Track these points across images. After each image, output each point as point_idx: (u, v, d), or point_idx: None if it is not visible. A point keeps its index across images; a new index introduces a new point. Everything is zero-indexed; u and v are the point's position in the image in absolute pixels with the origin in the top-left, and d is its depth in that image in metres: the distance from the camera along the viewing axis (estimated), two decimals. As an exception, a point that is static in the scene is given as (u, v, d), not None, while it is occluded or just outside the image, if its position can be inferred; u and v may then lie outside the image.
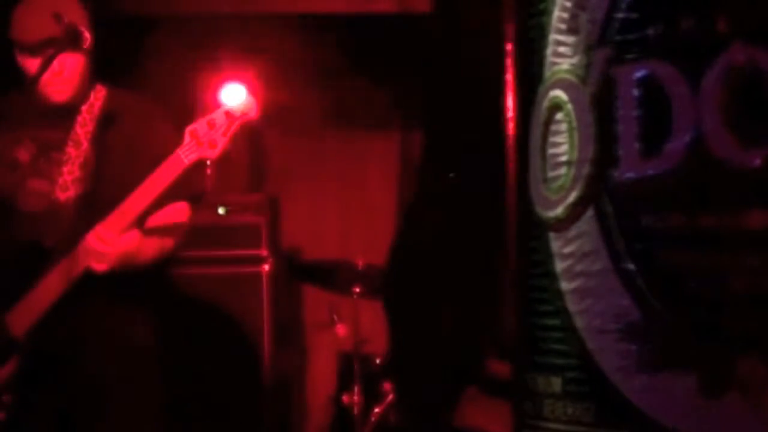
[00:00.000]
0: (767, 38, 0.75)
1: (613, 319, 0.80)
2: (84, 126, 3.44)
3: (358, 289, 4.75)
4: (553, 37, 0.85)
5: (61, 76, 3.38)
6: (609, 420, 0.81)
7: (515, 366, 0.93)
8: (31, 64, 3.36)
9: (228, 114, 3.17)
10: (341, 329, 4.90)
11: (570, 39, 0.83)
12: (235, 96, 3.16)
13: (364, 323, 4.84)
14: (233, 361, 4.82)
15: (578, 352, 0.83)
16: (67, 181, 3.38)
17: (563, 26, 0.84)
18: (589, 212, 0.82)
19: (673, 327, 0.77)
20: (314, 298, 5.55)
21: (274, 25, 5.24)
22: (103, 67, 3.46)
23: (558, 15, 0.84)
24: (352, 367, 4.63)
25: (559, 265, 0.85)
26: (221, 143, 3.16)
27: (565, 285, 0.84)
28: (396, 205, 5.80)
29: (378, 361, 4.67)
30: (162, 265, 3.64)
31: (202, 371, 4.53)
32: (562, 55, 0.84)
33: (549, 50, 0.85)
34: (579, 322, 0.83)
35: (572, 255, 0.83)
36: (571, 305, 0.84)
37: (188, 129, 3.17)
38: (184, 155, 3.18)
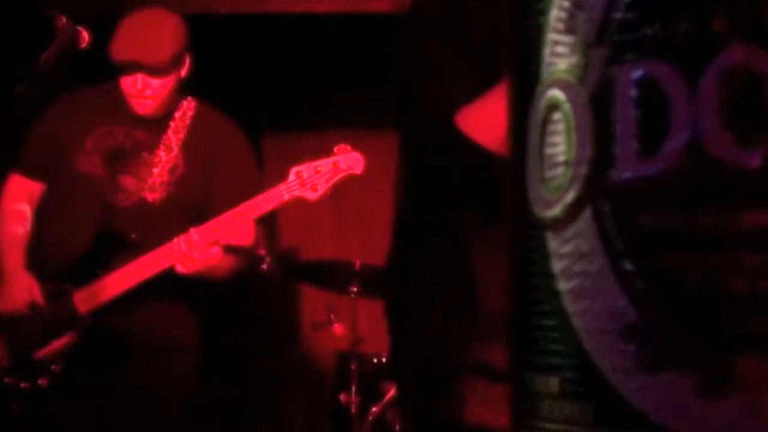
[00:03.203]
0: (766, 38, 0.75)
1: (611, 320, 0.80)
2: (177, 133, 3.69)
3: (355, 289, 4.76)
4: (551, 36, 0.85)
5: (143, 95, 3.62)
6: (607, 420, 0.81)
7: (512, 366, 0.93)
8: (124, 81, 3.61)
9: (336, 164, 3.50)
10: (339, 328, 4.92)
11: (567, 39, 0.83)
12: (345, 151, 3.48)
13: (361, 322, 4.85)
14: (231, 360, 4.82)
15: (576, 352, 0.83)
16: (156, 183, 3.63)
17: (561, 26, 0.84)
18: (587, 212, 0.82)
19: (672, 327, 0.77)
20: (312, 298, 5.57)
21: (273, 24, 5.24)
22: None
23: (555, 14, 0.84)
24: (349, 367, 4.65)
25: (557, 265, 0.85)
26: (322, 189, 3.53)
27: (562, 285, 0.85)
28: (393, 205, 5.80)
29: (380, 360, 4.68)
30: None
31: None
32: (560, 55, 0.84)
33: (546, 50, 0.85)
34: (576, 322, 0.83)
35: (570, 255, 0.83)
36: (569, 305, 0.84)
37: (294, 169, 3.54)
38: (286, 191, 3.51)
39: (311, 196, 3.63)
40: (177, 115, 3.86)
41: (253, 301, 4.98)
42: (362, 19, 5.21)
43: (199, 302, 3.90)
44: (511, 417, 0.93)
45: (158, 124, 3.79)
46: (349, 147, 3.68)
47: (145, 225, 3.66)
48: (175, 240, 3.60)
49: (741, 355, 0.74)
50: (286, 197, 3.65)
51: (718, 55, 0.75)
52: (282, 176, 5.62)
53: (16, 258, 3.76)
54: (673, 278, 0.77)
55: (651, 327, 0.78)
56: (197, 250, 3.55)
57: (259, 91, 5.23)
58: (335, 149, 3.63)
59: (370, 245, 5.74)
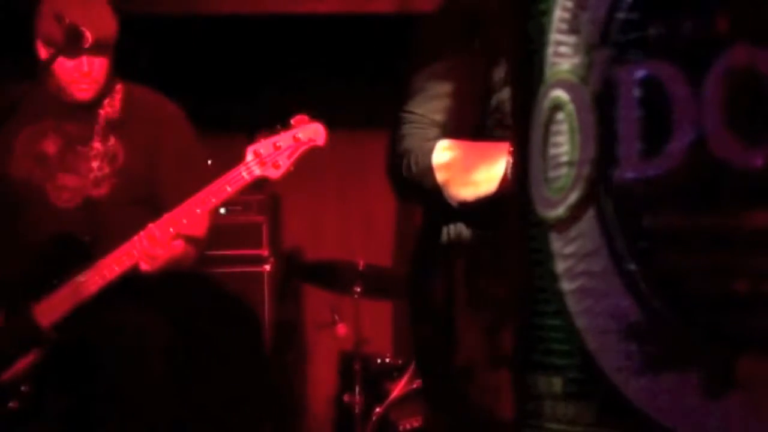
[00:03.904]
0: (769, 38, 0.75)
1: (614, 320, 0.80)
2: (109, 120, 3.44)
3: (359, 289, 4.75)
4: (554, 37, 0.85)
5: (90, 77, 3.39)
6: (610, 420, 0.81)
7: (515, 366, 0.93)
8: (62, 65, 3.34)
9: (295, 138, 3.21)
10: (342, 329, 4.91)
11: (571, 39, 0.83)
12: (303, 122, 3.19)
13: (365, 323, 4.84)
14: (234, 360, 4.82)
15: (579, 353, 0.83)
16: (98, 177, 3.37)
17: (564, 26, 0.84)
18: (590, 212, 0.82)
19: (675, 327, 0.77)
20: (315, 298, 5.56)
21: (274, 25, 5.23)
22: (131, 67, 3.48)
23: (559, 15, 0.84)
24: (353, 367, 4.64)
25: (560, 266, 0.85)
26: (285, 166, 3.23)
27: (565, 285, 0.84)
28: (397, 205, 5.80)
29: (384, 360, 4.68)
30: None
31: (202, 371, 4.53)
32: (563, 55, 0.84)
33: (550, 50, 0.85)
34: (580, 323, 0.83)
35: (573, 255, 0.83)
36: (572, 305, 0.84)
37: (251, 147, 3.21)
38: (246, 172, 3.21)
39: (273, 174, 3.28)
40: (106, 101, 3.51)
41: (254, 301, 4.98)
42: (364, 19, 5.21)
43: (168, 301, 3.66)
44: (514, 417, 0.93)
45: (88, 113, 3.44)
46: (306, 117, 3.28)
47: (97, 224, 3.34)
48: (136, 238, 3.31)
49: (744, 355, 0.74)
50: (248, 178, 3.28)
51: (722, 56, 0.75)
52: (286, 180, 5.61)
53: None
54: (677, 279, 0.77)
55: (654, 327, 0.78)
56: (160, 246, 3.26)
57: (259, 91, 5.24)
58: (292, 121, 3.29)
59: (373, 246, 5.74)
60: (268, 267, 4.94)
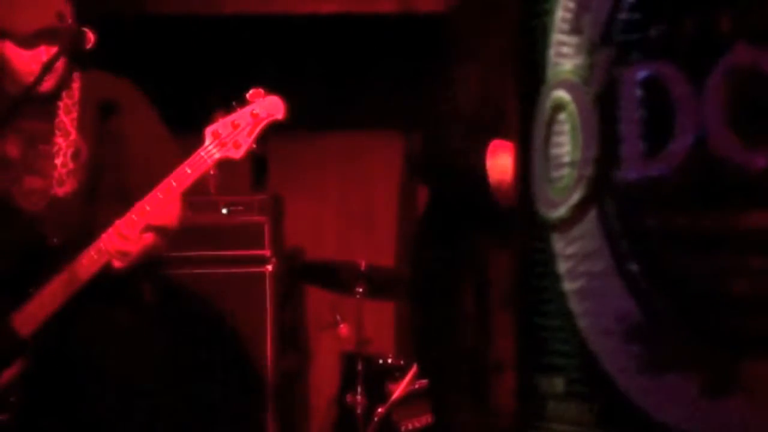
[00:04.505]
0: (770, 38, 0.75)
1: (616, 320, 0.80)
2: (68, 113, 3.32)
3: (360, 290, 4.75)
4: (556, 37, 0.85)
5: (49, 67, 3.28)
6: (612, 421, 0.81)
7: (518, 367, 0.93)
8: (20, 56, 3.24)
9: (253, 114, 3.09)
10: (344, 329, 4.91)
11: (573, 39, 0.83)
12: (259, 96, 3.08)
13: (367, 323, 4.84)
14: (236, 361, 4.82)
15: (581, 353, 0.83)
16: (62, 174, 3.26)
17: (566, 26, 0.84)
18: (592, 213, 0.82)
19: (676, 328, 0.77)
20: (317, 299, 5.55)
21: (274, 25, 5.23)
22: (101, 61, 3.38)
23: (561, 15, 0.84)
24: (355, 367, 4.64)
25: (562, 266, 0.85)
26: (246, 144, 3.08)
27: (567, 286, 0.85)
28: (398, 205, 5.80)
29: (386, 361, 4.68)
30: (158, 265, 3.52)
31: (202, 371, 4.53)
32: (565, 56, 0.84)
33: (552, 50, 0.85)
34: (582, 323, 0.83)
35: (575, 256, 0.83)
36: (574, 306, 0.84)
37: (209, 129, 3.09)
38: (207, 155, 3.09)
39: (235, 154, 3.14)
40: (64, 93, 3.40)
41: (255, 301, 4.97)
42: (366, 20, 5.21)
43: (165, 303, 3.57)
44: (517, 417, 0.93)
45: (46, 108, 3.32)
46: (262, 91, 3.14)
47: (64, 224, 3.22)
48: (104, 236, 3.19)
49: (746, 356, 0.74)
50: (209, 161, 3.14)
51: (724, 56, 0.75)
52: (287, 180, 5.62)
53: None
54: (679, 279, 0.77)
55: (656, 328, 0.78)
56: (130, 241, 3.15)
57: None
58: (248, 96, 3.22)
59: (375, 246, 5.74)
60: (270, 267, 4.93)
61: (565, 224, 0.84)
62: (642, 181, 0.79)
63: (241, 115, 3.08)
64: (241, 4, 5.19)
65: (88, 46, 3.24)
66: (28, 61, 3.23)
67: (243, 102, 3.11)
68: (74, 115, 3.31)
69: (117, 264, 3.09)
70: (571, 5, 0.83)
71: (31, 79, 3.21)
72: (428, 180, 2.68)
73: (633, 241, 0.80)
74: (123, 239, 3.06)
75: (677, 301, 0.78)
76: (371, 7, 5.21)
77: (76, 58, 3.33)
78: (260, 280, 4.89)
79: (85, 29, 3.23)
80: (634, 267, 0.79)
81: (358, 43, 5.25)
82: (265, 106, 3.10)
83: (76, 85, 3.34)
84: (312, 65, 5.36)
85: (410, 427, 4.44)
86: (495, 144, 2.34)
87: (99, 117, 3.31)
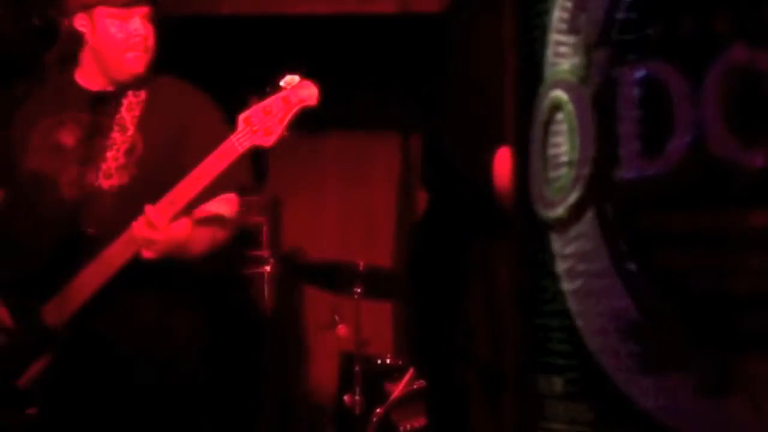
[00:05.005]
0: (768, 38, 0.75)
1: (614, 320, 0.80)
2: (130, 110, 3.30)
3: (359, 290, 4.75)
4: (554, 37, 0.85)
5: (146, 44, 3.26)
6: (611, 420, 0.81)
7: (516, 366, 0.93)
8: (113, 26, 3.20)
9: (285, 100, 3.05)
10: (342, 330, 4.91)
11: (570, 39, 0.83)
12: (293, 82, 3.04)
13: (365, 324, 4.84)
14: (234, 361, 4.82)
15: (579, 353, 0.83)
16: (111, 168, 3.24)
17: (563, 26, 0.84)
18: (590, 212, 0.82)
19: (674, 327, 0.77)
20: (315, 299, 5.55)
21: (272, 25, 5.23)
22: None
23: (558, 15, 0.84)
24: (353, 368, 4.64)
25: (561, 266, 0.85)
26: (277, 131, 3.04)
27: (566, 285, 0.85)
28: (397, 206, 5.80)
29: (384, 361, 4.68)
30: (215, 263, 3.47)
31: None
32: (563, 55, 0.84)
33: (549, 50, 0.85)
34: (580, 323, 0.83)
35: (573, 255, 0.83)
36: (572, 306, 0.84)
37: (242, 116, 3.06)
38: (238, 142, 3.05)
39: (266, 141, 3.10)
40: (130, 92, 3.38)
41: (254, 300, 4.97)
42: (364, 20, 5.21)
43: (197, 296, 3.54)
44: (515, 417, 0.93)
45: (111, 103, 3.29)
46: (297, 77, 3.11)
47: (104, 217, 3.19)
48: (134, 224, 3.16)
49: (744, 356, 0.74)
50: (240, 149, 3.11)
51: (721, 55, 0.75)
52: (286, 180, 5.61)
53: None
54: (677, 278, 0.77)
55: (654, 327, 0.78)
56: (158, 230, 3.11)
57: (258, 91, 5.23)
58: (282, 82, 3.06)
59: (374, 246, 5.74)
60: (268, 268, 4.93)
61: (563, 224, 0.84)
62: (640, 181, 0.79)
63: (273, 102, 3.05)
64: (238, 5, 5.19)
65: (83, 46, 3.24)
66: (128, 34, 3.21)
67: (277, 88, 3.08)
68: (136, 113, 3.29)
69: (146, 253, 3.05)
70: (569, 5, 0.83)
71: (127, 56, 3.19)
72: (429, 184, 2.64)
73: (631, 240, 0.80)
74: (151, 227, 3.01)
75: (675, 300, 0.78)
76: (369, 7, 5.22)
77: (70, 58, 3.33)
78: (258, 280, 4.90)
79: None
80: (632, 266, 0.79)
81: (355, 43, 5.25)
82: (297, 92, 3.06)
83: (143, 85, 3.32)
84: (308, 65, 5.37)
85: (408, 427, 4.44)
86: (503, 151, 2.32)
87: (163, 119, 3.30)
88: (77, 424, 3.21)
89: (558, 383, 0.85)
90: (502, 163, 2.31)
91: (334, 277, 4.87)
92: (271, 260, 4.93)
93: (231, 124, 3.18)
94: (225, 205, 3.26)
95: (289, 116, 3.05)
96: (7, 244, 3.30)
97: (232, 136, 3.04)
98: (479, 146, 2.35)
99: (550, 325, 0.86)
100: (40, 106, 3.25)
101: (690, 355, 0.76)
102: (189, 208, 3.13)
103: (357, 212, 5.88)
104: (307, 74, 4.93)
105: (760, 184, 0.74)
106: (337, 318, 4.92)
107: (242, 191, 3.33)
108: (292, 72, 3.13)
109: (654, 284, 0.78)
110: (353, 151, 5.73)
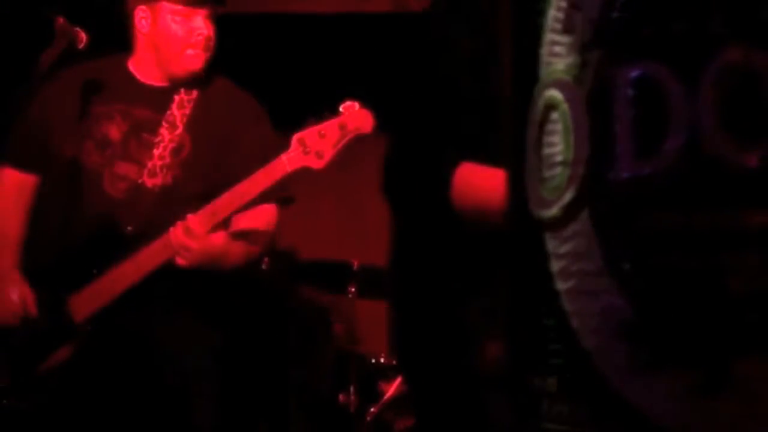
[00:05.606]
0: (763, 38, 0.75)
1: (609, 320, 0.80)
2: (181, 108, 3.28)
3: (353, 289, 4.75)
4: (549, 36, 0.85)
5: (207, 42, 3.24)
6: (605, 420, 0.81)
7: (511, 366, 0.93)
8: (175, 23, 3.18)
9: (342, 126, 3.07)
10: (337, 329, 4.91)
11: (565, 39, 0.83)
12: (352, 109, 3.06)
13: (360, 323, 4.84)
14: (230, 361, 4.82)
15: (574, 352, 0.83)
16: (156, 166, 3.22)
17: (558, 26, 0.84)
18: (585, 212, 0.82)
19: (669, 327, 0.77)
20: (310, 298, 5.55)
21: (269, 24, 5.23)
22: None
23: (553, 14, 0.84)
24: (348, 367, 4.64)
25: (555, 265, 0.85)
26: (329, 155, 3.07)
27: (560, 285, 0.85)
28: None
29: (379, 360, 4.68)
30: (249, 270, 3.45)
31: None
32: (558, 55, 0.84)
33: (544, 50, 0.85)
34: (575, 322, 0.83)
35: (567, 255, 0.83)
36: (567, 305, 0.84)
37: (296, 136, 3.07)
38: (289, 162, 3.06)
39: (317, 164, 3.07)
40: (183, 89, 3.33)
41: (252, 300, 4.97)
42: (360, 19, 5.21)
43: (224, 302, 3.51)
44: (510, 417, 0.93)
45: (161, 98, 3.25)
46: (356, 104, 3.13)
47: (145, 215, 3.14)
48: (171, 229, 3.07)
49: (739, 355, 0.74)
50: (289, 168, 3.07)
51: (716, 55, 0.75)
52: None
53: (6, 262, 3.30)
54: (671, 278, 0.77)
55: (648, 327, 0.78)
56: (196, 239, 3.07)
57: (258, 91, 5.23)
58: (341, 108, 3.10)
59: (368, 246, 5.74)
60: (262, 267, 4.93)
61: (558, 224, 0.84)
62: (634, 181, 0.79)
63: (329, 126, 3.08)
64: (236, 4, 5.19)
65: (80, 46, 3.23)
66: (190, 32, 3.20)
67: (336, 113, 3.10)
68: (186, 111, 3.27)
69: (180, 261, 3.04)
70: (564, 4, 0.83)
71: (187, 53, 3.18)
72: (387, 192, 2.36)
73: (625, 240, 0.80)
74: (188, 235, 3.00)
75: (670, 300, 0.78)
76: (365, 6, 5.22)
77: (70, 57, 3.32)
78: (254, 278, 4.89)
79: (79, 29, 3.22)
80: (626, 266, 0.79)
81: (351, 42, 5.25)
82: (354, 120, 3.10)
83: (197, 85, 3.31)
84: (305, 65, 5.36)
85: (402, 426, 4.45)
86: (466, 167, 2.11)
87: (212, 122, 3.29)
88: (88, 417, 3.19)
89: (552, 383, 0.85)
90: (464, 179, 2.11)
91: (329, 276, 4.87)
92: (266, 259, 4.93)
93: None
94: (263, 217, 3.25)
95: (343, 143, 3.08)
96: (43, 234, 3.28)
97: (283, 155, 3.04)
98: (441, 158, 2.16)
99: (545, 324, 0.86)
100: (89, 94, 3.20)
101: (684, 354, 0.76)
102: (228, 220, 3.12)
103: (351, 211, 5.88)
104: (302, 71, 4.93)
105: (755, 184, 0.75)
106: (331, 318, 4.92)
107: (283, 203, 3.33)
108: (352, 99, 3.16)
109: (648, 284, 0.78)
110: (348, 150, 5.73)
